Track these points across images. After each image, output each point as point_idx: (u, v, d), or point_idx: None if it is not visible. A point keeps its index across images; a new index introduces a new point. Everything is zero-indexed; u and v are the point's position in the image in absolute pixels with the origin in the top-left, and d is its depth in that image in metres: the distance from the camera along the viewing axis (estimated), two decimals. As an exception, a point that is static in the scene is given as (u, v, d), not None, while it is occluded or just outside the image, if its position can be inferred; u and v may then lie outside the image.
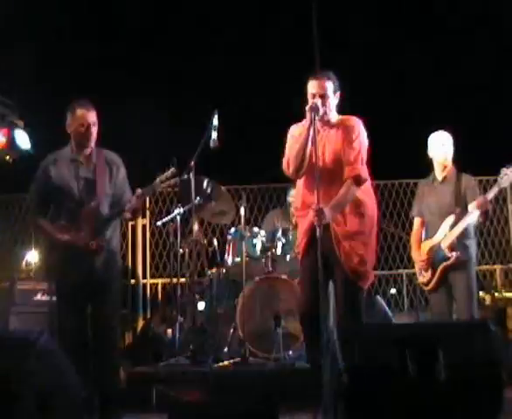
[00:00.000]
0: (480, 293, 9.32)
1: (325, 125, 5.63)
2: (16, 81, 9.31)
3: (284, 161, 5.71)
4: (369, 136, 5.67)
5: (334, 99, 5.65)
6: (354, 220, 5.51)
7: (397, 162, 10.95)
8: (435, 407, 3.93)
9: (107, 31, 11.54)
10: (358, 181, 5.48)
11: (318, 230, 5.19)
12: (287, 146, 5.74)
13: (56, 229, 5.87)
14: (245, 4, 11.67)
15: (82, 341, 5.85)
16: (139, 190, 5.88)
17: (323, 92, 5.55)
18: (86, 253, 5.75)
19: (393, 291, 10.59)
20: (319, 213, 5.19)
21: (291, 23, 11.84)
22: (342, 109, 5.78)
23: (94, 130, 5.88)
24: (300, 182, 5.78)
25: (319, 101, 5.49)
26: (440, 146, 6.77)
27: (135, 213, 5.95)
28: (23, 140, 8.80)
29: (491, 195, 6.44)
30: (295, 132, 5.73)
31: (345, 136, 5.55)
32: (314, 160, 5.31)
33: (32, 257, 9.28)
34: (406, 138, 10.91)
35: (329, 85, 5.61)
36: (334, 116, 5.70)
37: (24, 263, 8.94)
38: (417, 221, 7.03)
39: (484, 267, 10.63)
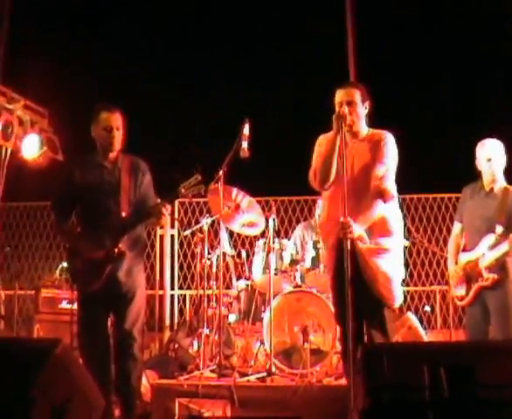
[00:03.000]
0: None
1: (354, 137, 5.50)
2: (46, 88, 9.31)
3: (311, 172, 5.57)
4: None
5: (362, 109, 5.51)
6: (380, 238, 5.37)
7: (432, 176, 10.76)
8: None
9: (137, 39, 11.50)
10: (385, 197, 5.33)
11: (345, 242, 5.04)
12: (314, 156, 5.61)
13: (78, 235, 5.80)
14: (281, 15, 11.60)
15: (103, 350, 5.78)
16: (159, 200, 5.80)
17: (350, 100, 5.44)
18: (108, 260, 5.66)
19: (427, 308, 10.39)
20: (346, 226, 5.05)
21: (327, 36, 11.77)
22: (373, 122, 5.64)
23: (118, 134, 5.84)
24: (325, 196, 5.63)
25: (346, 109, 5.36)
26: (485, 161, 6.42)
27: (158, 219, 5.83)
28: (52, 147, 8.76)
29: None
30: (323, 141, 5.57)
31: (375, 151, 5.41)
32: (341, 171, 5.20)
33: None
34: (442, 151, 10.75)
35: (357, 94, 5.49)
36: (363, 128, 5.57)
37: (58, 271, 8.87)
38: (457, 226, 6.75)
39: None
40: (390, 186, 5.40)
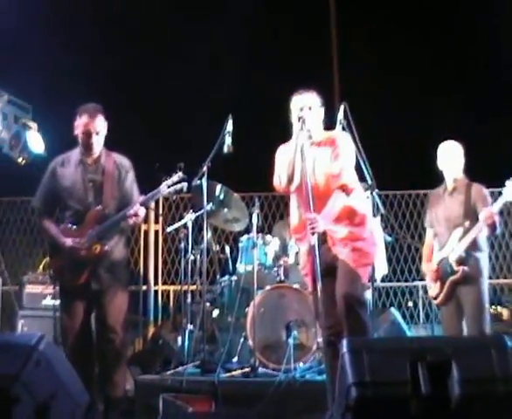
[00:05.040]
0: (498, 308, 9.18)
1: (313, 142, 5.60)
2: (30, 84, 9.28)
3: (275, 178, 5.71)
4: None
5: (319, 114, 5.68)
6: (352, 228, 5.49)
7: (414, 173, 10.81)
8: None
9: (120, 36, 11.48)
10: (345, 190, 5.47)
11: (312, 237, 5.20)
12: (276, 164, 5.74)
13: (60, 232, 5.81)
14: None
15: (86, 346, 5.81)
16: (142, 197, 5.83)
17: (309, 105, 5.59)
18: (89, 257, 5.71)
19: (410, 303, 10.44)
20: (312, 221, 5.20)
21: (307, 28, 11.84)
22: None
23: (98, 139, 5.89)
24: (294, 202, 5.74)
25: (306, 112, 5.52)
26: (449, 160, 6.72)
27: (137, 219, 5.86)
28: (36, 142, 8.75)
29: (496, 207, 6.35)
30: (283, 149, 5.75)
31: (330, 151, 5.56)
32: (312, 176, 5.41)
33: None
34: (423, 148, 10.80)
35: (314, 99, 5.67)
36: (320, 132, 5.71)
37: (41, 267, 8.87)
38: (429, 232, 6.99)
39: (502, 281, 10.45)
40: (349, 179, 5.53)
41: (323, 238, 5.45)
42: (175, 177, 5.84)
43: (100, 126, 5.87)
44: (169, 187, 5.83)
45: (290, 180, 5.54)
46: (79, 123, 5.85)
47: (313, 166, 5.51)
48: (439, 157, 6.77)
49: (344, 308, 5.30)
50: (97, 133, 5.84)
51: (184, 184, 5.91)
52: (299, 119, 5.46)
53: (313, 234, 5.19)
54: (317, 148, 5.59)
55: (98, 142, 5.88)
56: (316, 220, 5.19)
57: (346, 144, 5.64)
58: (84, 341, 5.82)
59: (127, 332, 6.27)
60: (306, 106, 5.55)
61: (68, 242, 5.77)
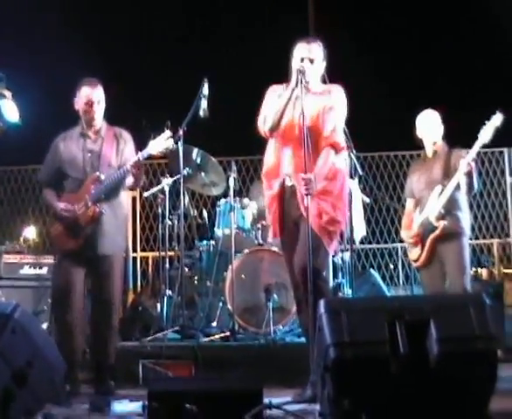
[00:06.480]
0: (478, 268, 9.21)
1: (308, 93, 5.37)
2: (2, 52, 9.16)
3: (260, 117, 5.52)
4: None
5: (320, 66, 5.51)
6: (322, 181, 5.26)
7: (393, 134, 10.79)
8: (425, 381, 3.78)
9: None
10: (336, 149, 5.35)
11: (306, 199, 5.05)
12: (265, 103, 5.54)
13: (57, 198, 5.94)
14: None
15: (76, 310, 5.83)
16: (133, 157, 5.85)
17: (312, 57, 5.41)
18: (84, 221, 5.78)
19: (391, 265, 10.47)
20: (308, 181, 5.05)
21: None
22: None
23: (99, 107, 5.98)
24: (273, 145, 5.54)
25: (308, 65, 5.33)
26: (427, 128, 6.69)
27: (137, 179, 5.85)
28: (10, 111, 8.64)
29: (473, 152, 6.30)
30: (276, 89, 5.54)
31: (324, 104, 5.39)
32: (300, 123, 5.16)
33: (30, 232, 9.16)
34: (402, 108, 10.79)
35: (318, 51, 5.47)
36: (318, 84, 5.55)
37: (22, 238, 8.82)
38: (409, 202, 6.94)
39: (481, 241, 10.50)
40: (341, 138, 5.43)
41: (293, 191, 5.33)
42: (163, 135, 5.84)
43: (101, 95, 5.97)
44: (156, 145, 5.83)
45: (275, 127, 5.39)
46: (80, 95, 5.95)
47: (301, 112, 5.23)
48: (418, 126, 6.74)
49: (300, 278, 5.16)
50: (98, 102, 5.94)
51: (172, 141, 5.89)
52: (299, 69, 5.24)
53: (307, 195, 5.05)
54: (312, 99, 5.35)
55: (99, 112, 5.98)
56: (312, 181, 5.06)
57: (342, 100, 5.47)
58: (74, 305, 5.80)
59: (120, 300, 6.29)
60: (307, 57, 5.38)
61: (61, 205, 5.84)
